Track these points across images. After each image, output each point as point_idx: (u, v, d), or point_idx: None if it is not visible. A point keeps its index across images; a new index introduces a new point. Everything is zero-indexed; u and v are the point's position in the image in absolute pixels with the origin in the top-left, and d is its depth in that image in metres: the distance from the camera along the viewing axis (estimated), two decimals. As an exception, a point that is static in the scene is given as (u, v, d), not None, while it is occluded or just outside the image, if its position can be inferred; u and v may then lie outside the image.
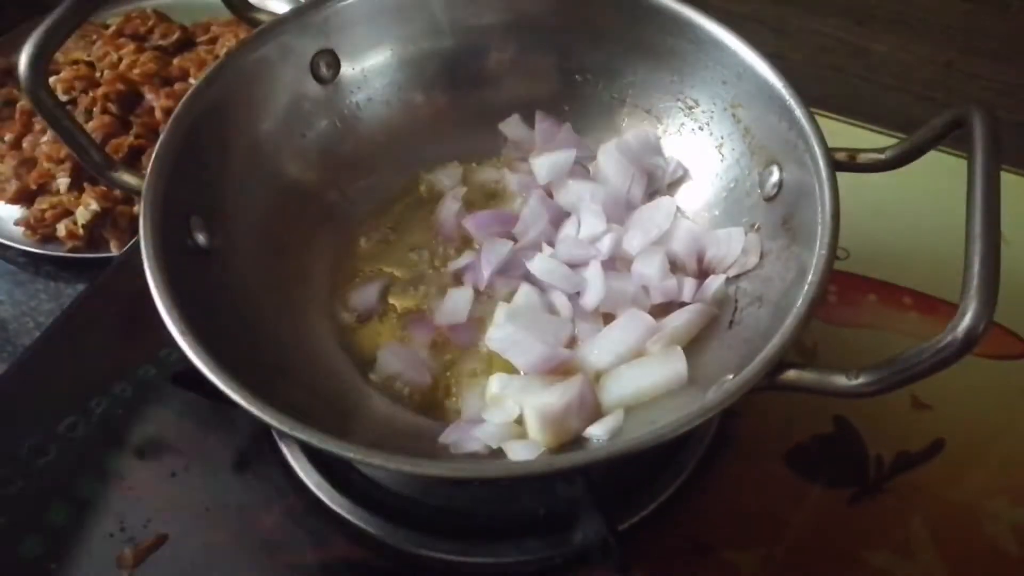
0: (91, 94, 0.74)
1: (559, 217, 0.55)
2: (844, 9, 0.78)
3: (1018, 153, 0.67)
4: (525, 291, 0.51)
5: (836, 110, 0.70)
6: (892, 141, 0.48)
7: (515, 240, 0.54)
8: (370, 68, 0.58)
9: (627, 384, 0.48)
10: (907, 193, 0.59)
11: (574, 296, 0.52)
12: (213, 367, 0.39)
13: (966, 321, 0.35)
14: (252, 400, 0.39)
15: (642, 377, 0.48)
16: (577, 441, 0.46)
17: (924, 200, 0.59)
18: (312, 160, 0.56)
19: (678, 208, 0.54)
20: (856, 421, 0.55)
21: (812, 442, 0.54)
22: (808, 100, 0.69)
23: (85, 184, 0.70)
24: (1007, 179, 0.65)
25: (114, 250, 0.69)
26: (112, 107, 0.74)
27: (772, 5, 0.79)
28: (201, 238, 0.48)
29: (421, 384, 0.50)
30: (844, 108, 0.71)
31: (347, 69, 0.57)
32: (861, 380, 0.38)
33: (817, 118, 0.68)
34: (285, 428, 0.38)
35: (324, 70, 0.56)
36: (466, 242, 0.55)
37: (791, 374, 0.40)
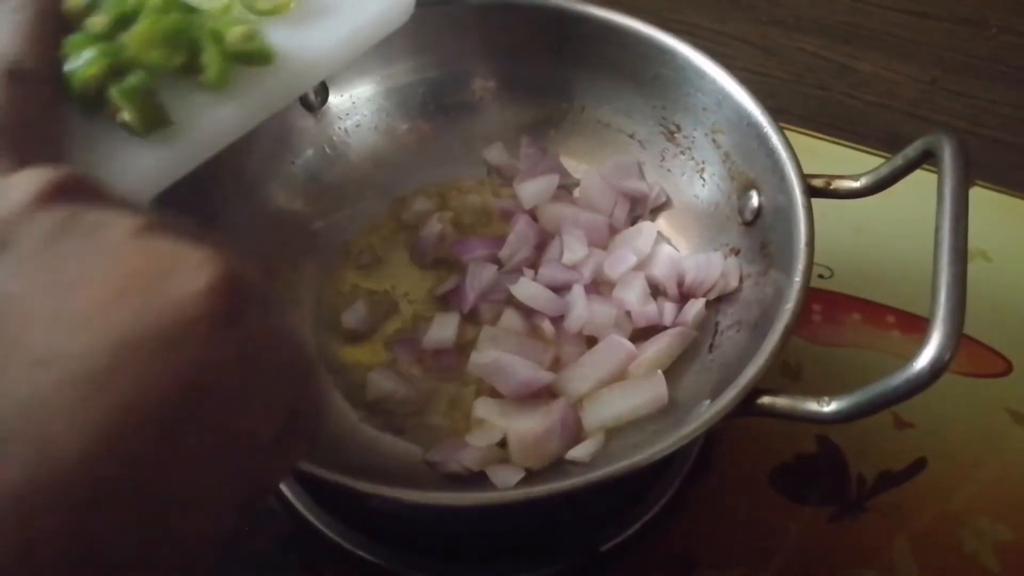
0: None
1: (544, 241, 0.55)
2: (828, 28, 0.79)
3: (1001, 170, 0.69)
4: (508, 316, 0.52)
5: (822, 128, 0.71)
6: (878, 160, 0.49)
7: (500, 264, 0.55)
8: (358, 95, 0.59)
9: (608, 408, 0.48)
10: (891, 211, 0.59)
11: (558, 319, 0.52)
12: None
13: (932, 352, 0.36)
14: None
15: (623, 401, 0.48)
16: (559, 464, 0.47)
17: (908, 218, 0.59)
18: (299, 187, 0.57)
19: (659, 233, 0.55)
20: (839, 440, 0.55)
21: (795, 461, 0.55)
22: (793, 118, 0.71)
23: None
24: (990, 197, 0.67)
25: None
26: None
27: (757, 24, 0.80)
28: (190, 266, 0.49)
29: (411, 406, 0.51)
30: (830, 126, 0.72)
31: (335, 97, 0.58)
32: (832, 408, 0.39)
33: (803, 137, 0.70)
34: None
35: (313, 97, 0.57)
36: (452, 266, 0.55)
37: (765, 400, 0.41)
